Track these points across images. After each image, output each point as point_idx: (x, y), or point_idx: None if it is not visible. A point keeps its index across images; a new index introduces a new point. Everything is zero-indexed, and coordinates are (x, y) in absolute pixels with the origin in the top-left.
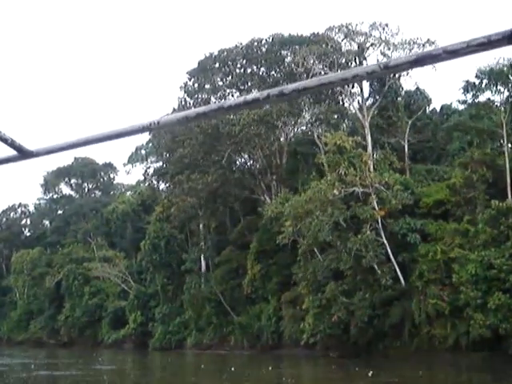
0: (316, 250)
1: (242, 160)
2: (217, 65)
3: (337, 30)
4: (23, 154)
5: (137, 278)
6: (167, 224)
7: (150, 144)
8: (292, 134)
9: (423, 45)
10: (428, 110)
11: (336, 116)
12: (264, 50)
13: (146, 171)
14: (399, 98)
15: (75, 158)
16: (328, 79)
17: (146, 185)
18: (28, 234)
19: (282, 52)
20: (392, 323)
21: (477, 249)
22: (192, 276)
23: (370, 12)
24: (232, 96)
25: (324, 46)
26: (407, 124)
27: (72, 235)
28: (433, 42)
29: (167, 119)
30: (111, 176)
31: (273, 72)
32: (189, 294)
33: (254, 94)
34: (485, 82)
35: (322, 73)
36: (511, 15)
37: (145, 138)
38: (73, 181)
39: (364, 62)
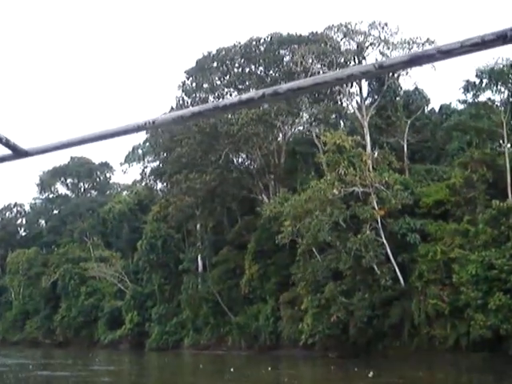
0: (315, 250)
1: (240, 159)
2: (215, 64)
3: (336, 30)
4: (18, 153)
5: (133, 277)
6: (164, 224)
7: (147, 143)
8: (290, 134)
9: (422, 44)
10: (427, 109)
11: (335, 116)
12: (262, 49)
13: (143, 170)
14: (398, 98)
15: (71, 158)
16: (323, 79)
17: (143, 184)
18: (24, 234)
19: (281, 51)
20: (391, 323)
21: (477, 249)
22: (189, 276)
23: (369, 11)
24: (230, 95)
25: (323, 45)
26: (406, 124)
27: (68, 235)
28: (432, 42)
29: (162, 119)
30: (107, 176)
31: (271, 71)
32: (186, 294)
33: (249, 93)
34: (485, 81)
35: (321, 72)
36: (506, 15)
37: (142, 137)
38: (69, 180)
39: (363, 61)
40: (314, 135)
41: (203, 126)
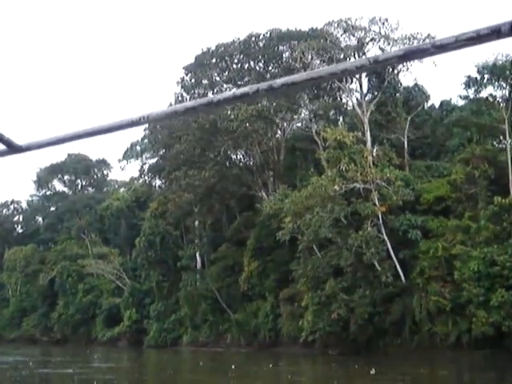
0: (315, 247)
1: (240, 156)
2: (214, 60)
3: (336, 25)
4: (12, 148)
5: (131, 274)
6: (162, 220)
7: (146, 140)
8: (290, 130)
9: (423, 40)
10: (426, 105)
11: (334, 112)
12: (262, 45)
13: (141, 167)
14: (398, 94)
15: (68, 155)
16: (317, 73)
17: (142, 181)
18: (21, 231)
19: (280, 47)
20: (392, 320)
21: (479, 245)
22: (188, 273)
23: (369, 7)
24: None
25: (322, 41)
26: (406, 120)
27: (65, 232)
28: (433, 37)
29: (157, 114)
30: (105, 173)
31: (270, 67)
32: (185, 291)
33: (244, 88)
34: (486, 77)
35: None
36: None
37: (140, 134)
38: (66, 177)
39: (363, 57)
40: (314, 131)
41: (203, 122)
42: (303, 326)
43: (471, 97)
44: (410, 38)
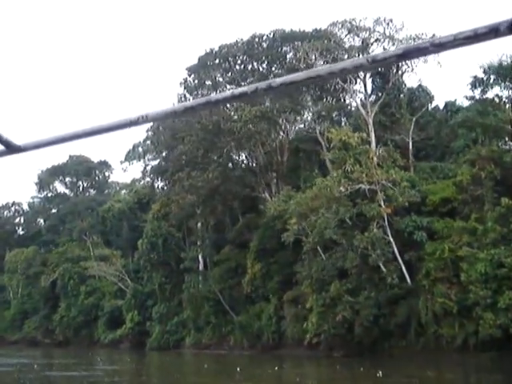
0: (319, 249)
1: (243, 157)
2: (217, 61)
3: (340, 26)
4: (11, 148)
5: (134, 276)
6: (165, 222)
7: (148, 142)
8: (294, 131)
9: None
10: (430, 107)
11: (338, 113)
12: (265, 45)
13: (144, 168)
14: (402, 95)
15: (70, 156)
16: (316, 73)
17: (144, 182)
18: (22, 233)
19: (284, 48)
20: (398, 323)
21: (486, 247)
22: (191, 275)
23: (373, 7)
24: None
25: (326, 41)
26: (410, 121)
27: (67, 234)
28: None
29: (155, 113)
30: (106, 174)
31: (274, 68)
32: (188, 293)
33: (243, 87)
34: (493, 77)
35: None
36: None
37: (142, 135)
38: (67, 179)
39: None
40: (318, 132)
41: (206, 123)
42: (307, 328)
43: (477, 97)
44: (414, 39)
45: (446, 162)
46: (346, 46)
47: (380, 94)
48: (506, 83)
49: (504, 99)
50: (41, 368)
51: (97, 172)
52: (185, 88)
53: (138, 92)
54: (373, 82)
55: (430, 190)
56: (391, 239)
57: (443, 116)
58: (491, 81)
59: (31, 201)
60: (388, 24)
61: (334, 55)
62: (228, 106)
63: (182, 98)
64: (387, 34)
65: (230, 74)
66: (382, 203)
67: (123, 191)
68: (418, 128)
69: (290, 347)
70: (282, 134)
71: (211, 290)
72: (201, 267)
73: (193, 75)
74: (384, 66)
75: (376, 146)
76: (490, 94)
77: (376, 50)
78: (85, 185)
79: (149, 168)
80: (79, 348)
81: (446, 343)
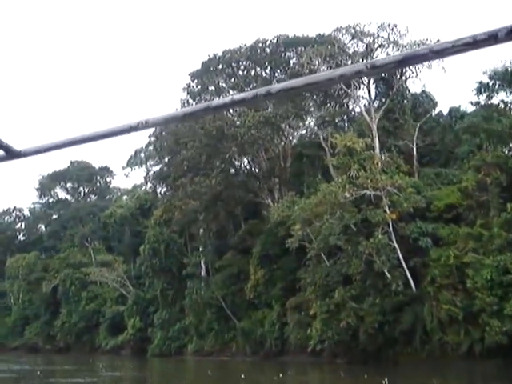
0: (323, 255)
1: (246, 163)
2: (220, 66)
3: (344, 31)
4: (11, 153)
5: (135, 282)
6: (167, 228)
7: (150, 147)
8: (297, 137)
9: None
10: (434, 112)
11: (342, 118)
12: (268, 51)
13: (147, 174)
14: (405, 101)
15: (71, 162)
16: (315, 79)
17: (148, 188)
18: (23, 239)
19: (287, 53)
20: (403, 329)
21: (492, 253)
22: (193, 281)
23: (377, 12)
24: None
25: (330, 47)
26: (414, 127)
27: (68, 239)
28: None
29: (155, 119)
30: (107, 180)
31: (277, 74)
32: (190, 299)
33: (242, 93)
34: (498, 83)
35: None
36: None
37: (144, 141)
38: (69, 185)
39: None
40: (322, 138)
41: (209, 128)
42: (311, 335)
43: (482, 103)
44: (419, 44)
45: (451, 168)
46: (350, 51)
47: (384, 100)
48: None
49: (509, 105)
50: (45, 375)
51: (98, 178)
52: (188, 93)
53: (142, 98)
54: (376, 87)
55: (435, 196)
56: (396, 245)
57: (447, 122)
58: (496, 86)
59: (32, 206)
60: (392, 29)
61: (338, 61)
62: (231, 111)
63: (185, 104)
64: (391, 39)
65: (233, 79)
66: (387, 209)
67: (124, 197)
68: (421, 134)
69: (292, 354)
70: (285, 139)
71: (213, 296)
72: (203, 273)
73: (196, 80)
74: (383, 72)
75: (380, 152)
76: (495, 100)
77: (380, 56)
78: (86, 190)
79: (151, 173)
80: (80, 354)
81: (451, 350)
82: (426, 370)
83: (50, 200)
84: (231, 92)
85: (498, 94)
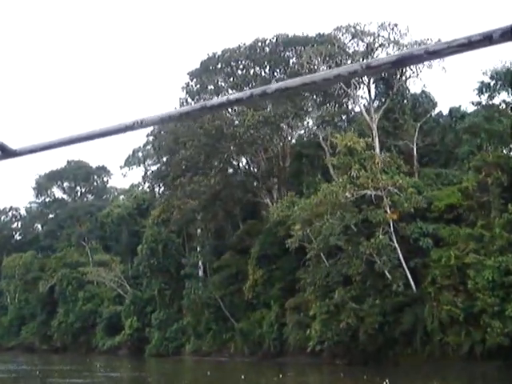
0: (322, 255)
1: (245, 162)
2: (219, 65)
3: (344, 30)
4: (6, 152)
5: (132, 282)
6: (165, 228)
7: (148, 146)
8: (296, 136)
9: None
10: (433, 113)
11: (342, 118)
12: (268, 50)
13: (145, 173)
14: (405, 101)
15: (68, 161)
16: (311, 79)
17: (145, 187)
18: (19, 238)
19: (287, 53)
20: (403, 330)
21: (493, 254)
22: (191, 281)
23: (378, 12)
24: None
25: (330, 46)
26: (414, 127)
27: (65, 239)
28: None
29: (150, 119)
30: (105, 179)
31: (276, 73)
32: (188, 300)
33: (238, 93)
34: (500, 83)
35: None
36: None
37: (142, 140)
38: (65, 184)
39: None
40: (321, 138)
41: (209, 128)
42: (310, 336)
43: (484, 103)
44: (419, 44)
45: (451, 169)
46: (350, 51)
47: (384, 100)
48: None
49: (511, 105)
50: (43, 375)
51: (95, 177)
52: (187, 93)
53: (141, 97)
54: (376, 87)
55: (436, 197)
56: (396, 246)
57: (447, 122)
58: (498, 86)
59: (29, 206)
60: (393, 29)
61: (338, 60)
62: (230, 110)
63: (184, 103)
64: (392, 38)
65: (232, 78)
66: (388, 209)
67: (121, 197)
68: (421, 134)
69: (291, 355)
70: (284, 139)
71: (212, 296)
72: (201, 273)
73: (195, 80)
74: (378, 73)
75: (380, 152)
76: (496, 100)
77: (380, 55)
78: (83, 190)
79: (149, 173)
80: (77, 354)
81: (452, 351)
82: (426, 371)
83: (47, 199)
84: (230, 91)
85: (499, 94)
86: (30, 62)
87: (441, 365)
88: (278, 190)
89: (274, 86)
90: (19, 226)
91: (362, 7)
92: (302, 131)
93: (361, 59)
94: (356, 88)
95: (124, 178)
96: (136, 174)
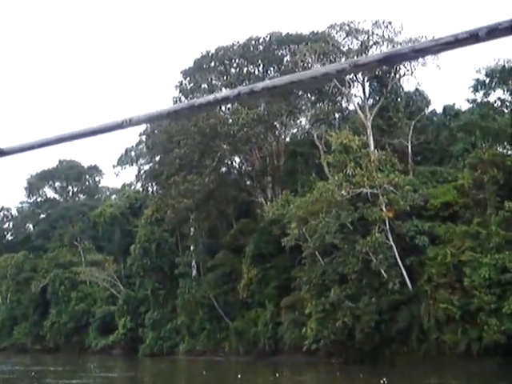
0: (317, 254)
1: (239, 161)
2: (213, 63)
3: (338, 28)
4: None
5: (126, 282)
6: (158, 227)
7: (141, 146)
8: (290, 135)
9: None
10: (427, 111)
11: (336, 116)
12: (261, 48)
13: (138, 172)
14: (399, 99)
15: (60, 161)
16: (298, 77)
17: (139, 186)
18: (11, 238)
19: (281, 51)
20: (399, 329)
21: (489, 252)
22: (185, 280)
23: (372, 10)
24: None
25: (324, 44)
26: (408, 125)
27: (58, 239)
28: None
29: (139, 117)
30: (96, 179)
31: (270, 72)
32: (182, 299)
33: (225, 92)
34: (495, 80)
35: None
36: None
37: (135, 139)
38: (57, 184)
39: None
40: (315, 136)
41: (203, 126)
42: (306, 335)
43: (479, 100)
44: (414, 42)
45: (445, 166)
46: (344, 49)
47: (378, 98)
48: (509, 86)
49: (506, 103)
50: (40, 375)
51: (87, 177)
52: (180, 91)
53: (134, 96)
54: (370, 85)
55: (431, 194)
56: (392, 244)
57: (441, 120)
58: (493, 84)
59: (20, 206)
60: (387, 27)
61: (332, 58)
62: (224, 109)
63: (178, 102)
64: (386, 36)
65: (225, 77)
66: (384, 207)
67: (113, 196)
68: (416, 132)
69: (286, 353)
70: (278, 137)
71: (206, 295)
72: (195, 272)
73: (188, 78)
74: (365, 71)
75: (374, 150)
76: (491, 98)
77: (374, 53)
78: (75, 190)
79: (142, 172)
80: (70, 355)
81: (448, 349)
82: (422, 369)
83: (39, 199)
84: (224, 90)
85: (494, 91)
86: (17, 59)
87: (437, 363)
88: (272, 189)
89: (261, 84)
90: (11, 226)
91: (356, 5)
92: (296, 130)
93: (355, 57)
94: (350, 86)
95: (116, 178)
96: (128, 174)
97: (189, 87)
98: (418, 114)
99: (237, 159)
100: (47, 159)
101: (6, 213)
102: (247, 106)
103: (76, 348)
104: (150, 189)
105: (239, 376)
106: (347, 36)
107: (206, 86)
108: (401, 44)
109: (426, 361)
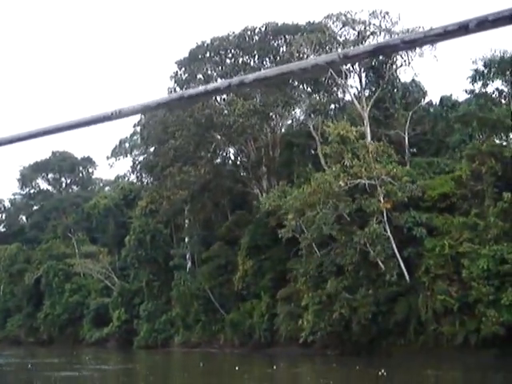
0: (314, 245)
1: (235, 152)
2: (208, 54)
3: (335, 19)
4: None
5: (120, 274)
6: (152, 219)
7: (135, 137)
8: (286, 126)
9: None
10: (423, 102)
11: (332, 107)
12: (257, 39)
13: (133, 164)
14: (396, 90)
15: (53, 153)
16: (288, 68)
17: (133, 178)
18: (3, 230)
19: (276, 41)
20: (397, 320)
21: (488, 243)
22: (180, 272)
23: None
24: None
25: (320, 34)
26: (404, 116)
27: (51, 231)
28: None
29: (129, 108)
30: (90, 170)
31: (266, 62)
32: (177, 291)
33: (216, 83)
34: (493, 70)
35: None
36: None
37: (129, 130)
38: (50, 175)
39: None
40: (312, 127)
41: (199, 117)
42: (302, 326)
43: (477, 91)
44: (411, 32)
45: (442, 157)
46: (341, 39)
47: (374, 89)
48: (507, 77)
49: (504, 93)
50: (37, 368)
51: (80, 168)
52: (175, 82)
53: (129, 87)
54: (367, 76)
55: (428, 186)
56: (390, 235)
57: (438, 111)
58: (492, 74)
59: (13, 197)
60: (384, 17)
61: (328, 49)
62: (219, 100)
63: (173, 92)
64: (383, 26)
65: (221, 67)
66: (382, 198)
67: (107, 188)
68: (412, 123)
69: (282, 345)
70: (273, 128)
71: (201, 287)
72: (190, 264)
73: (184, 69)
74: (356, 62)
75: (371, 141)
76: (490, 88)
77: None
78: (68, 181)
79: (137, 163)
80: (64, 347)
81: (446, 341)
82: (420, 361)
83: (32, 191)
84: (219, 80)
85: (493, 82)
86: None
87: (435, 355)
88: (268, 180)
89: (251, 75)
90: (3, 217)
91: None
92: (292, 120)
93: (352, 47)
94: (346, 77)
95: (109, 170)
96: (122, 165)
97: (184, 78)
98: (415, 105)
99: (232, 150)
100: (40, 151)
101: None
102: (243, 96)
103: (70, 340)
104: (144, 180)
105: (237, 368)
106: (344, 26)
107: (201, 76)
108: (398, 34)
109: (423, 352)
